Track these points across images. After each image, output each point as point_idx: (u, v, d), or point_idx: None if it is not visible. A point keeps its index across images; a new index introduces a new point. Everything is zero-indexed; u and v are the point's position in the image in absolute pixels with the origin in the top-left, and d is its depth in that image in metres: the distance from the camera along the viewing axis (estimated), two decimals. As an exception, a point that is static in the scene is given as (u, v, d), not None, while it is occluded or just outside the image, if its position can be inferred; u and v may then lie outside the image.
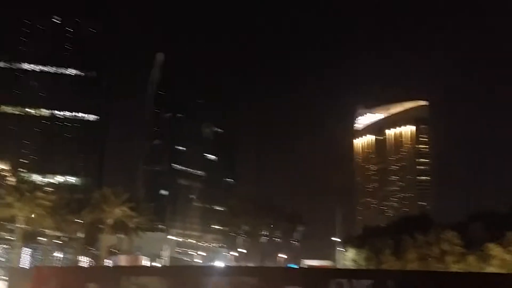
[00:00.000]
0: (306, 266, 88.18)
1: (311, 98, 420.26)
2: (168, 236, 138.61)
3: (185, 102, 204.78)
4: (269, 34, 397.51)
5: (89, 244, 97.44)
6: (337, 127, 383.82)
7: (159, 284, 34.17)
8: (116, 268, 73.34)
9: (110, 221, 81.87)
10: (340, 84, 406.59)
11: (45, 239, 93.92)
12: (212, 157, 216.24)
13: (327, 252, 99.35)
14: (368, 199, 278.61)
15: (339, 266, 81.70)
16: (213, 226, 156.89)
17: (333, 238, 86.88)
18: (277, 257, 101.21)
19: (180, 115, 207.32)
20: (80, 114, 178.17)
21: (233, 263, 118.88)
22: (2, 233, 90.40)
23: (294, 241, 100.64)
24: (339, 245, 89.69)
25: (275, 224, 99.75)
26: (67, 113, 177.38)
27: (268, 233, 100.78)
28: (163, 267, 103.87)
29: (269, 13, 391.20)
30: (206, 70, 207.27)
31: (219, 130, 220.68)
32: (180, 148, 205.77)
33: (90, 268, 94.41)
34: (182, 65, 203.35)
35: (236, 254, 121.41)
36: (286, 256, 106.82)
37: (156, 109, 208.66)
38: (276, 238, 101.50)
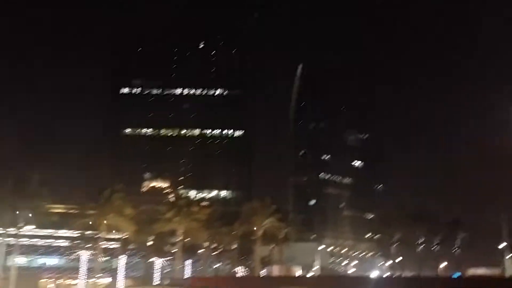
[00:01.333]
0: (470, 275, 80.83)
1: (465, 90, 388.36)
2: (320, 246, 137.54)
3: (328, 111, 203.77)
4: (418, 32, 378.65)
5: (243, 255, 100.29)
6: (497, 120, 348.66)
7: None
8: (271, 278, 74.03)
9: (260, 232, 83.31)
10: (497, 72, 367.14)
11: (203, 251, 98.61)
12: (359, 164, 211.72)
13: (494, 259, 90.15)
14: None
15: (508, 274, 73.47)
16: (364, 234, 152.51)
17: (501, 245, 78.55)
18: (437, 266, 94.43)
19: (324, 124, 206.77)
20: (228, 131, 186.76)
21: (388, 273, 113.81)
22: (165, 246, 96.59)
23: (455, 248, 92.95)
24: (508, 252, 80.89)
25: (432, 231, 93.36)
26: (216, 131, 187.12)
27: (424, 241, 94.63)
28: (317, 277, 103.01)
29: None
30: (347, 76, 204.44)
31: (365, 136, 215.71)
32: (326, 157, 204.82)
33: (242, 277, 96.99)
34: (323, 75, 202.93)
35: (391, 263, 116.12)
36: (446, 265, 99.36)
37: (299, 120, 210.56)
38: (434, 246, 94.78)
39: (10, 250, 68.22)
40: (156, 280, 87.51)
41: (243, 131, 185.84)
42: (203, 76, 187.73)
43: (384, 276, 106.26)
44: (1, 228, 65.46)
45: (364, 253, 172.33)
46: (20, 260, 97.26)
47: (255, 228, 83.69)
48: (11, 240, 66.16)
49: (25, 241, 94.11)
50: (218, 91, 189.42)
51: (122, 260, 76.32)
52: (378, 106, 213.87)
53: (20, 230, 65.14)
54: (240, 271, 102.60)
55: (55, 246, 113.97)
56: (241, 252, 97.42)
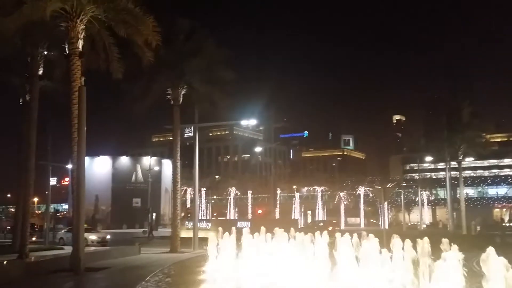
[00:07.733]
0: None
1: None
2: None
3: None
4: None
5: None
6: None
7: None
8: None
9: None
10: None
11: None
12: None
13: None
14: None
15: None
16: None
17: None
18: None
19: None
20: None
21: None
22: None
23: None
24: None
25: None
26: None
27: None
28: None
29: None
30: None
31: None
32: None
33: None
34: None
35: None
36: None
37: None
38: None
39: (455, 183, 69.46)
40: None
41: None
42: None
43: None
44: (443, 164, 67.20)
45: None
46: (469, 192, 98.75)
47: None
48: (455, 174, 67.07)
49: (468, 173, 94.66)
50: None
51: None
52: None
53: (461, 162, 64.84)
54: None
55: (502, 175, 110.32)
56: None
